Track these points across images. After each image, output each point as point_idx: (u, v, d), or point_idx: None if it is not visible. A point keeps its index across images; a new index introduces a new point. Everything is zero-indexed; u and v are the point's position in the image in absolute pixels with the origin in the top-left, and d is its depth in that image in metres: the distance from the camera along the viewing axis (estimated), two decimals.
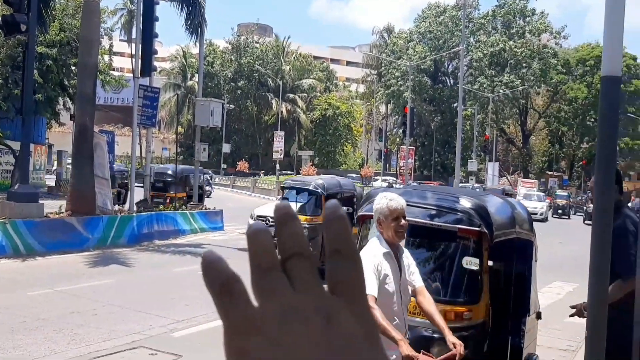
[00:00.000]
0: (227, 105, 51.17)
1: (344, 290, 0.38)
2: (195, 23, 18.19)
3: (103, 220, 12.79)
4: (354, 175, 45.33)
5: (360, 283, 0.39)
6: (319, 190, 11.62)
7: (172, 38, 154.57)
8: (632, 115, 55.79)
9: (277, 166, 40.38)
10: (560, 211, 37.15)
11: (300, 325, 0.36)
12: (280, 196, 15.53)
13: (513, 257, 5.19)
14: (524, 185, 42.77)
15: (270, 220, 14.41)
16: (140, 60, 15.21)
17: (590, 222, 3.73)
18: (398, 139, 53.37)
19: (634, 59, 58.07)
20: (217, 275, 0.37)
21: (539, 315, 5.28)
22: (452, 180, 34.65)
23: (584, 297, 3.67)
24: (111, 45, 28.24)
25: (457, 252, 4.65)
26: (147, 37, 15.35)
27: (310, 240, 10.08)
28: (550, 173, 55.95)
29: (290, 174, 45.77)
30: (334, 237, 0.39)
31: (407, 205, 4.30)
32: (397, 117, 59.66)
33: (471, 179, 40.70)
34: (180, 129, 57.58)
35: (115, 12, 41.93)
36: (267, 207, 14.16)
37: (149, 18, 15.47)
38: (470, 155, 45.50)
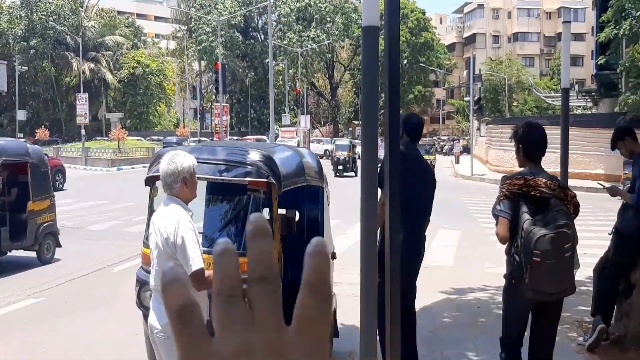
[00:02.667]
0: (19, 67, 46.06)
1: (307, 330, 0.38)
2: None
3: None
4: (172, 137, 43.86)
5: (326, 323, 0.39)
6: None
7: None
8: (423, 65, 61.07)
9: (83, 131, 37.58)
10: (340, 167, 27.86)
11: None
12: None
13: (304, 204, 5.49)
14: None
15: None
16: None
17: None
18: (213, 96, 52.58)
19: (423, 12, 63.19)
20: (175, 298, 0.37)
21: (333, 256, 5.64)
22: (268, 134, 35.22)
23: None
24: None
25: (248, 204, 4.78)
26: None
27: None
28: (356, 123, 59.43)
29: (101, 140, 42.97)
30: (316, 271, 0.39)
31: (199, 162, 4.28)
32: (210, 74, 58.57)
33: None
34: None
35: None
36: None
37: None
38: (284, 109, 46.60)
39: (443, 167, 32.45)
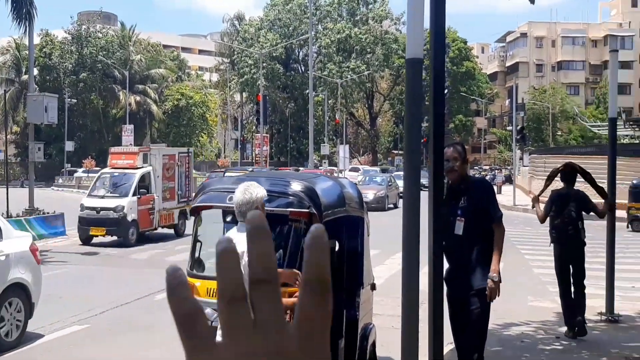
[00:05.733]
0: (69, 100, 47.83)
1: (310, 329, 0.39)
2: (24, 10, 16.75)
3: None
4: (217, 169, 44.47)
5: (327, 320, 0.39)
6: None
7: (2, 29, 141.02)
8: (464, 94, 60.78)
9: None
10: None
11: None
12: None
13: (344, 234, 5.49)
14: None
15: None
16: None
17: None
18: (254, 127, 53.39)
19: (465, 42, 63.14)
20: (180, 304, 0.38)
21: (373, 287, 5.60)
22: (307, 164, 35.45)
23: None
24: None
25: (290, 234, 4.82)
26: None
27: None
28: (395, 152, 59.24)
29: None
30: (314, 267, 0.39)
31: None
32: (252, 105, 59.58)
33: (324, 162, 41.99)
34: (15, 129, 52.99)
35: None
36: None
37: None
38: (323, 139, 46.89)
39: None
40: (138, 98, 55.12)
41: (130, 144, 41.61)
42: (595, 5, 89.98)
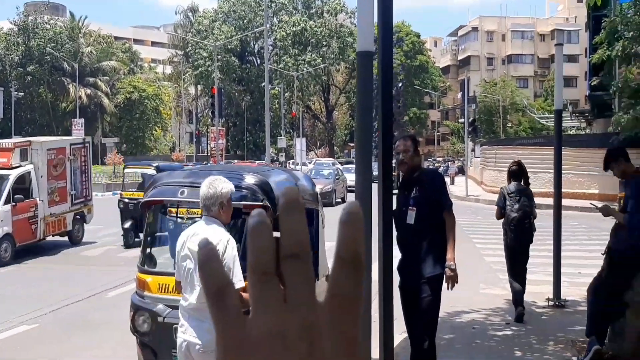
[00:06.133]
0: (16, 93, 46.22)
1: (341, 306, 0.39)
2: None
3: None
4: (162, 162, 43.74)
5: (358, 298, 0.39)
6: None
7: None
8: (418, 87, 61.63)
9: None
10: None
11: (284, 351, 0.38)
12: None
13: None
14: None
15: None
16: None
17: None
18: (209, 120, 52.84)
19: (418, 36, 63.93)
20: (213, 278, 0.38)
21: (327, 278, 5.66)
22: (263, 157, 35.34)
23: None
24: None
25: (244, 228, 4.82)
26: None
27: None
28: (352, 145, 59.64)
29: (96, 165, 42.82)
30: (348, 243, 0.39)
31: (194, 186, 4.32)
32: (207, 98, 58.87)
33: (281, 155, 41.90)
34: None
35: None
36: None
37: None
38: (279, 132, 46.78)
39: None
40: (89, 91, 53.71)
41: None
42: (543, 1, 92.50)
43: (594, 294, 5.31)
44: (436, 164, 56.92)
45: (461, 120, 46.94)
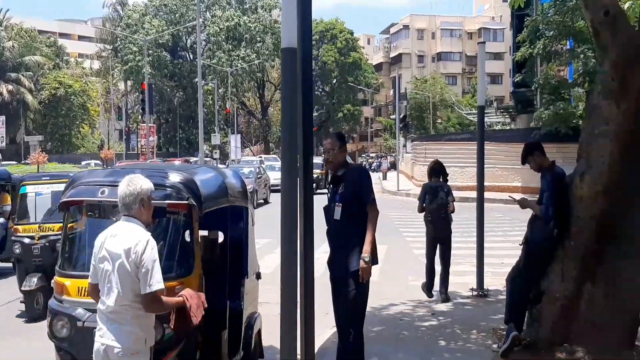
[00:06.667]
0: None
1: None
2: None
3: None
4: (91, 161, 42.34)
5: None
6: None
7: None
8: (352, 84, 62.27)
9: None
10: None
11: None
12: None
13: (228, 225, 5.47)
14: None
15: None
16: None
17: None
18: (139, 116, 51.44)
19: (351, 33, 64.53)
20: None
21: (258, 276, 5.63)
22: (197, 154, 34.75)
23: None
24: None
25: (169, 227, 4.71)
26: None
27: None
28: None
29: (14, 164, 40.63)
30: None
31: (115, 186, 4.16)
32: (137, 94, 57.35)
33: (215, 152, 41.34)
34: None
35: None
36: None
37: None
38: (213, 129, 46.15)
39: None
40: (10, 87, 51.22)
41: (2, 137, 38.66)
42: (471, 0, 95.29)
43: (511, 283, 5.55)
44: (369, 160, 57.77)
45: (393, 116, 47.78)
